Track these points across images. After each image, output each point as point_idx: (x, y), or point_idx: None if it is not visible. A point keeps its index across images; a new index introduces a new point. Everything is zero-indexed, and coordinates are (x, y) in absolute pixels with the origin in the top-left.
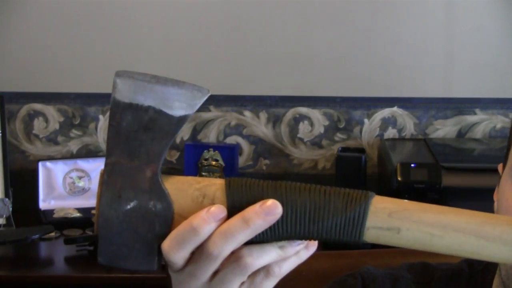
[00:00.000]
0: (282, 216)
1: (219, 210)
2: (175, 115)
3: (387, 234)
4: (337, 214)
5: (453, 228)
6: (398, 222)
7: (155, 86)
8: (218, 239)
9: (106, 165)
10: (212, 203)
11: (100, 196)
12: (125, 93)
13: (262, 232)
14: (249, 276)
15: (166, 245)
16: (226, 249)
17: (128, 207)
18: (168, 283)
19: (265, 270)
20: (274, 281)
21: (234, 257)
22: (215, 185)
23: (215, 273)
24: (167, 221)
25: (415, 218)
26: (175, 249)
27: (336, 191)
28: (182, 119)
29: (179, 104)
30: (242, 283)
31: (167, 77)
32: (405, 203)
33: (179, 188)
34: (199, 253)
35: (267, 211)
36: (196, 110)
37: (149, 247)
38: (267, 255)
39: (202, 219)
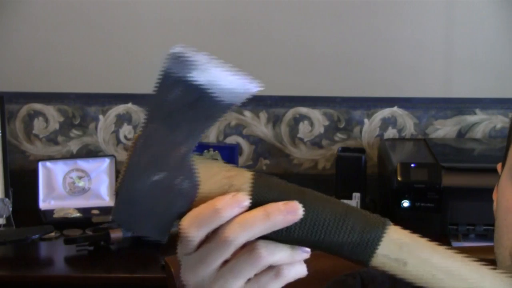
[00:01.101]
0: (301, 220)
1: (244, 198)
2: (223, 100)
3: (394, 265)
4: (353, 234)
5: (455, 275)
6: (407, 255)
7: (211, 67)
8: (237, 225)
9: (144, 130)
10: (238, 191)
11: (131, 159)
12: (179, 67)
13: (277, 231)
14: (257, 275)
15: (186, 221)
16: (242, 237)
17: (156, 177)
18: (168, 283)
19: (276, 270)
20: (280, 284)
21: (249, 247)
22: (244, 177)
23: (225, 262)
24: (189, 199)
25: (423, 256)
26: (194, 227)
27: (357, 211)
28: (228, 106)
29: (229, 91)
30: (248, 280)
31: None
32: (418, 239)
33: (209, 171)
34: (214, 237)
35: (289, 210)
36: (240, 102)
37: (165, 220)
38: (281, 252)
39: (226, 203)
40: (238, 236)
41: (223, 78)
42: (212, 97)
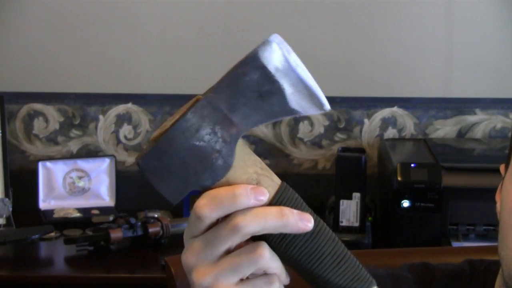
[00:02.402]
0: (303, 242)
1: (263, 192)
2: (290, 105)
3: None
4: (342, 278)
5: None
6: None
7: (296, 70)
8: (249, 215)
9: (206, 97)
10: None
11: (185, 115)
12: (269, 56)
13: (280, 240)
14: (252, 277)
15: (202, 200)
16: (251, 227)
17: (198, 143)
18: (168, 283)
19: (270, 278)
20: None
21: (253, 244)
22: (272, 182)
23: (227, 252)
24: (215, 177)
25: None
26: (209, 207)
27: (354, 260)
28: (292, 112)
29: (301, 99)
30: (241, 281)
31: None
32: None
33: (245, 161)
34: (224, 222)
35: (303, 219)
36: (304, 115)
37: (185, 185)
38: (278, 261)
39: (245, 191)
40: (248, 225)
41: (301, 85)
42: (284, 97)
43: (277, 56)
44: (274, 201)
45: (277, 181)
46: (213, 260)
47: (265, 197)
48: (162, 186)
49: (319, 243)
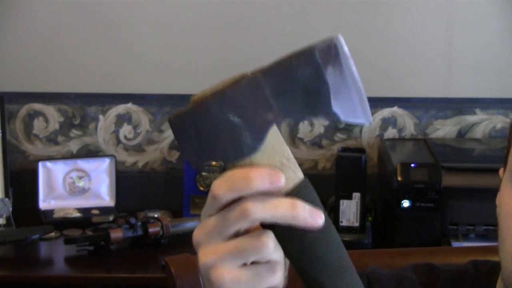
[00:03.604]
0: (308, 245)
1: (280, 177)
2: (332, 109)
3: None
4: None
5: None
6: None
7: (348, 77)
8: (261, 202)
9: (253, 77)
10: None
11: (230, 88)
12: (327, 55)
13: (286, 234)
14: (255, 263)
15: (219, 180)
16: (260, 214)
17: (231, 119)
18: (168, 283)
19: (272, 266)
20: (273, 282)
21: (259, 231)
22: (294, 174)
23: (235, 235)
24: (240, 156)
25: None
26: (223, 188)
27: (355, 274)
28: (332, 116)
29: (344, 106)
30: (244, 266)
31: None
32: None
33: (273, 148)
34: (236, 204)
35: (314, 215)
36: (344, 122)
37: (209, 155)
38: (281, 252)
39: (260, 174)
40: (257, 212)
41: (349, 92)
42: (328, 101)
43: (335, 56)
44: (291, 195)
45: (300, 175)
46: (220, 241)
47: (281, 183)
48: (187, 148)
49: (326, 249)
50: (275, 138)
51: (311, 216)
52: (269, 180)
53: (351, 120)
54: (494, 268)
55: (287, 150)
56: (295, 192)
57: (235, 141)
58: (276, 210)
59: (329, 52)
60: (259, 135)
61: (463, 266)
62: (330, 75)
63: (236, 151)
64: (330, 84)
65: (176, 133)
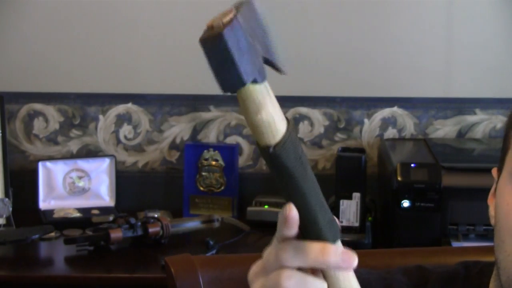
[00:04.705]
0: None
1: (354, 261)
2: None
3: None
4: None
5: None
6: None
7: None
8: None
9: (240, 13)
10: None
11: (238, 14)
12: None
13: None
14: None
15: (286, 250)
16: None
17: (250, 40)
18: (168, 283)
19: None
20: None
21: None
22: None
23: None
24: (262, 78)
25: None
26: (294, 258)
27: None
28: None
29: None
30: None
31: None
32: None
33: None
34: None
35: (347, 259)
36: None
37: (238, 76)
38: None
39: (336, 252)
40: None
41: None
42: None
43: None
44: (290, 121)
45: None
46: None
47: (354, 264)
48: (220, 70)
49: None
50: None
51: (343, 260)
52: (342, 258)
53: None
54: (485, 269)
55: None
56: (290, 122)
57: (255, 61)
58: (306, 260)
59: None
60: (272, 53)
61: (453, 268)
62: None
63: (252, 72)
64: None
65: (227, 48)
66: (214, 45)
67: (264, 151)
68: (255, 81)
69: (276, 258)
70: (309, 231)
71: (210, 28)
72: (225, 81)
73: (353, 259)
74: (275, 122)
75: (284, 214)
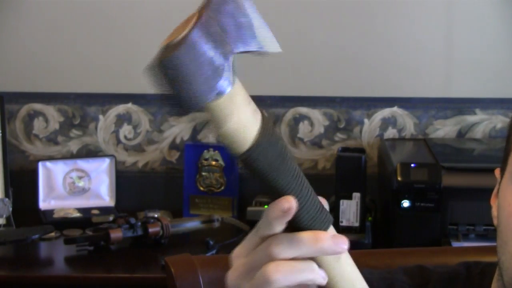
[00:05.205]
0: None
1: (345, 245)
2: (257, 39)
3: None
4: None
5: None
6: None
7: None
8: (287, 246)
9: (207, 16)
10: (253, 112)
11: (189, 32)
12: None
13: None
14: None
15: (279, 241)
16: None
17: (209, 53)
18: (168, 283)
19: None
20: None
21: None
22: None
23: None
24: (216, 94)
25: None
26: (286, 250)
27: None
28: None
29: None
30: None
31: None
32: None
33: (239, 84)
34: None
35: (338, 242)
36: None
37: (186, 101)
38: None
39: (327, 238)
40: (283, 254)
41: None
42: (253, 30)
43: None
44: (265, 122)
45: (259, 116)
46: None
47: (345, 247)
48: (166, 98)
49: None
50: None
51: (336, 244)
52: (334, 243)
53: (266, 48)
54: (486, 269)
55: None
56: (265, 119)
57: (208, 80)
58: (300, 250)
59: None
60: (228, 70)
61: (455, 268)
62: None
63: (211, 90)
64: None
65: (171, 73)
66: (168, 67)
67: (235, 159)
68: (220, 93)
69: (266, 253)
70: (299, 223)
71: (165, 48)
72: (181, 102)
73: (344, 242)
74: (239, 133)
75: (282, 208)
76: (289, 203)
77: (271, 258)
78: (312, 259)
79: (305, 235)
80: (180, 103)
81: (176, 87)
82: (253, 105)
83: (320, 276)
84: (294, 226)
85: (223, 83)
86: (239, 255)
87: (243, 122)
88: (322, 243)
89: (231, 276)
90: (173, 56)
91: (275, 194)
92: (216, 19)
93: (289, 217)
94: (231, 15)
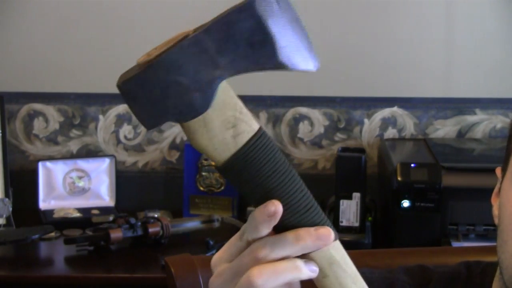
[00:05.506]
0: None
1: (330, 236)
2: (281, 60)
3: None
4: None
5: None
6: (329, 271)
7: (291, 25)
8: (269, 247)
9: (196, 35)
10: (235, 136)
11: (169, 50)
12: (265, 6)
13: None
14: None
15: (262, 242)
16: (271, 258)
17: (179, 78)
18: (168, 283)
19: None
20: None
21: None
22: (249, 127)
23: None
24: (192, 115)
25: (342, 281)
26: (267, 250)
27: (319, 212)
28: (280, 65)
29: (291, 53)
30: None
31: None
32: (347, 263)
33: (225, 103)
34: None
35: (322, 235)
36: (295, 69)
37: (162, 117)
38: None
39: (309, 234)
40: (269, 256)
41: (294, 39)
42: (273, 51)
43: (272, 6)
44: (247, 147)
45: (255, 127)
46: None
47: (331, 239)
48: (139, 111)
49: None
50: (226, 93)
51: (319, 238)
52: (317, 237)
53: (300, 67)
54: (487, 269)
55: (239, 104)
56: (251, 144)
57: (185, 101)
58: (284, 251)
59: (267, 3)
60: (209, 93)
61: (455, 268)
62: (274, 25)
63: (188, 110)
64: (274, 35)
65: (126, 98)
66: (129, 87)
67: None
68: (189, 115)
69: (251, 257)
70: (287, 223)
71: (135, 67)
72: (140, 120)
73: (327, 234)
74: (208, 154)
75: (269, 212)
76: (275, 207)
77: (258, 262)
78: (306, 255)
79: (288, 235)
80: (140, 120)
81: (135, 107)
82: (239, 129)
83: (307, 271)
84: (283, 226)
85: (192, 107)
86: (221, 261)
87: (214, 145)
88: (304, 241)
89: (216, 282)
90: (133, 77)
91: (258, 200)
92: (211, 41)
93: (275, 221)
94: (238, 36)
